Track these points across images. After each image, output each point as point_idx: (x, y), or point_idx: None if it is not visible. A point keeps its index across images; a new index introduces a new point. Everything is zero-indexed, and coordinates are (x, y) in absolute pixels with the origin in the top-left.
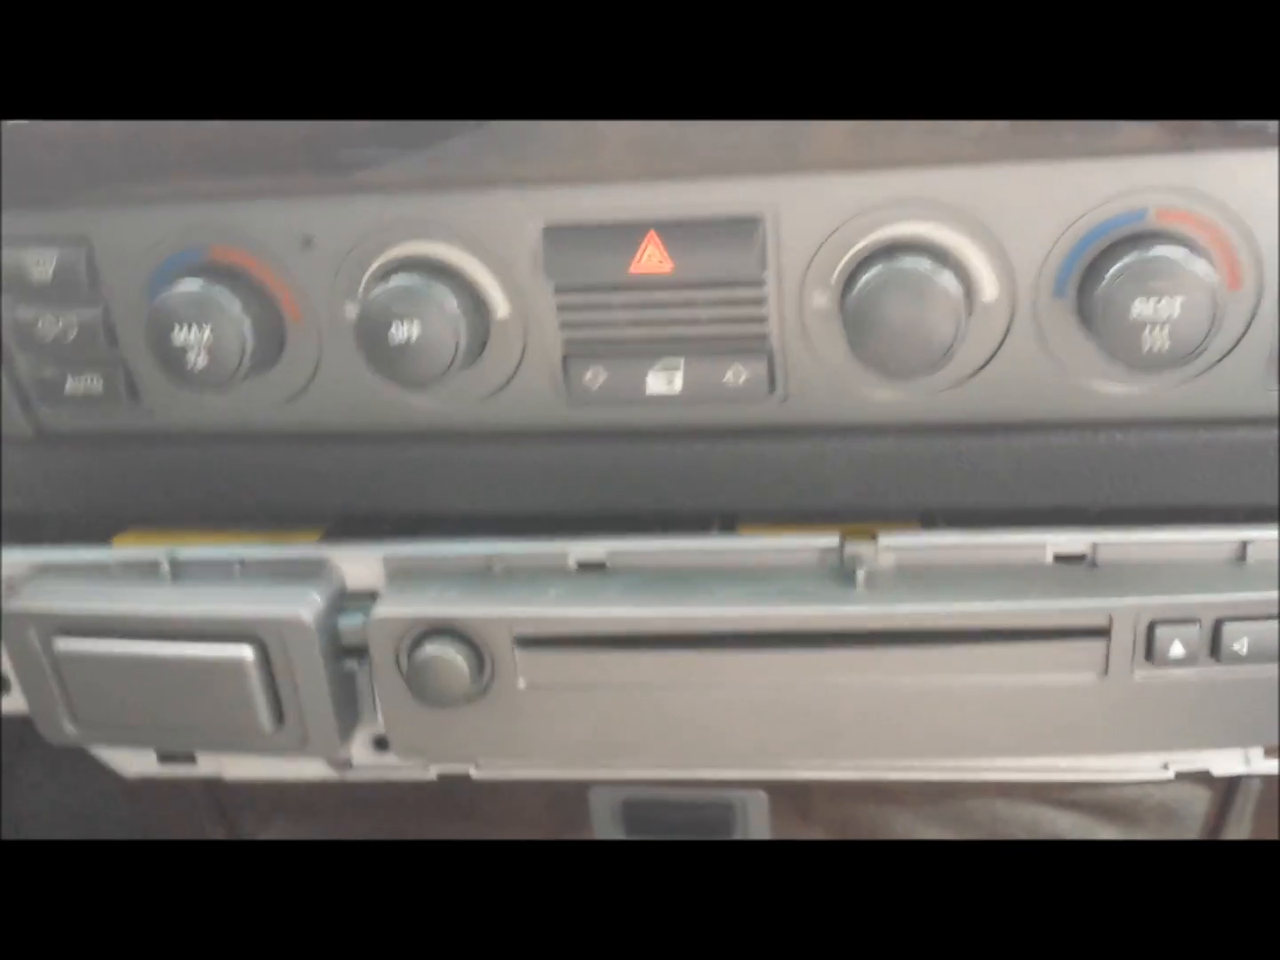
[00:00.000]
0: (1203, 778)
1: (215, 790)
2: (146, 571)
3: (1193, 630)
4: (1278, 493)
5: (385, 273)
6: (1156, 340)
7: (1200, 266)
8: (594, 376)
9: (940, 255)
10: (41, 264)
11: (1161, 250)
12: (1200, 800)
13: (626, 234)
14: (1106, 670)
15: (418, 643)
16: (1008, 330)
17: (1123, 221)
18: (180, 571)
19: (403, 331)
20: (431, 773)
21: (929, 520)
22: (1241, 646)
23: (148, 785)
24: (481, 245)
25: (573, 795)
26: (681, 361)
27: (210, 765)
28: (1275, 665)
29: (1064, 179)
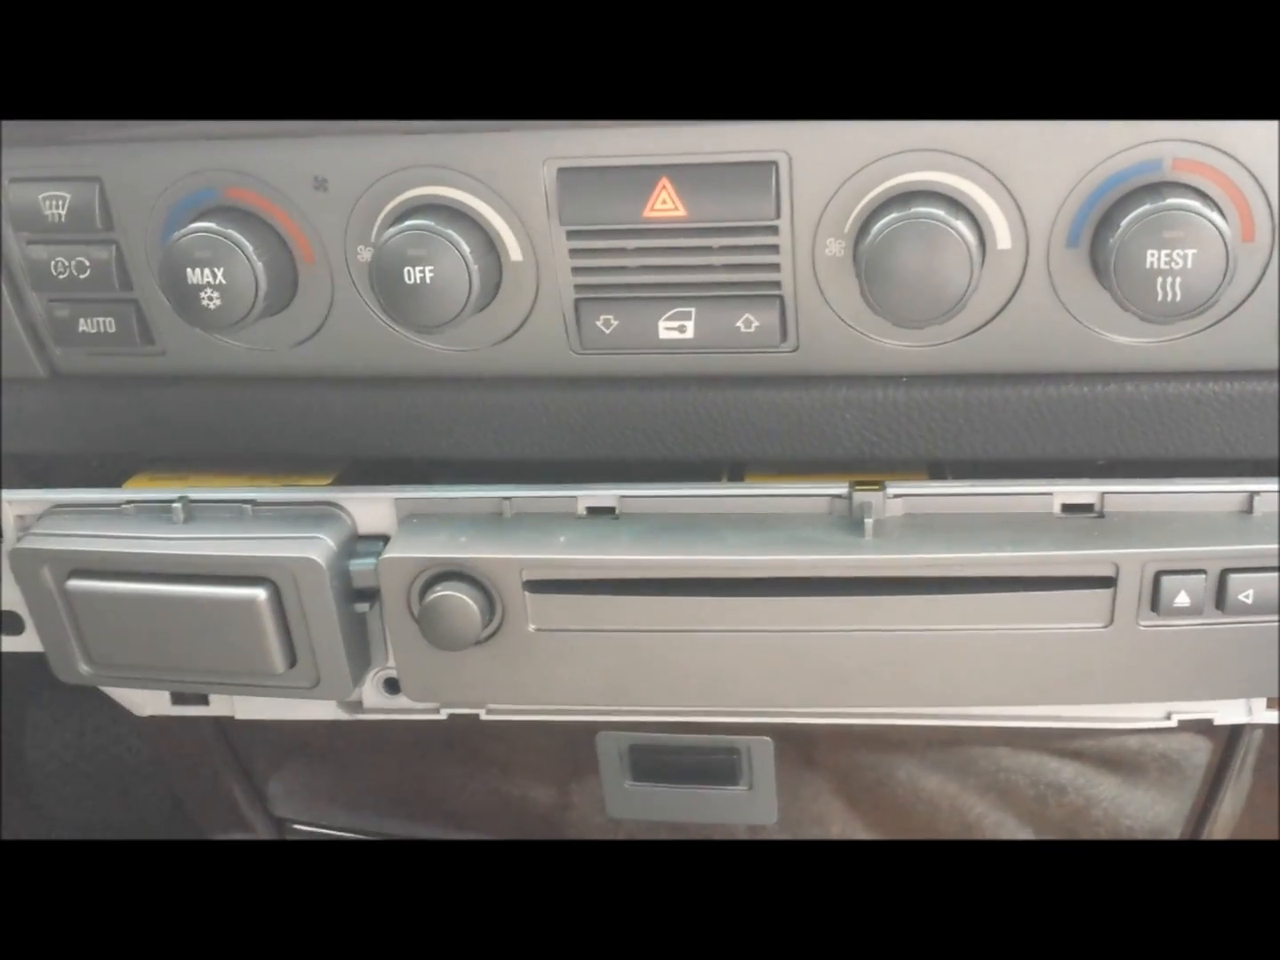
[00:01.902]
0: (1205, 727)
1: (227, 730)
2: (159, 513)
3: (1198, 581)
4: None
5: (399, 215)
6: (1169, 291)
7: (1215, 218)
8: (606, 322)
9: (955, 204)
10: (55, 203)
11: (1176, 201)
12: (1201, 751)
13: (640, 178)
14: (1112, 620)
15: (429, 585)
16: (1021, 280)
17: (1138, 171)
18: (193, 513)
19: (416, 275)
20: (442, 714)
21: (937, 471)
22: (1247, 597)
23: (160, 725)
24: (495, 188)
25: (580, 738)
26: (693, 309)
27: (222, 706)
28: (1279, 616)
29: (1080, 129)
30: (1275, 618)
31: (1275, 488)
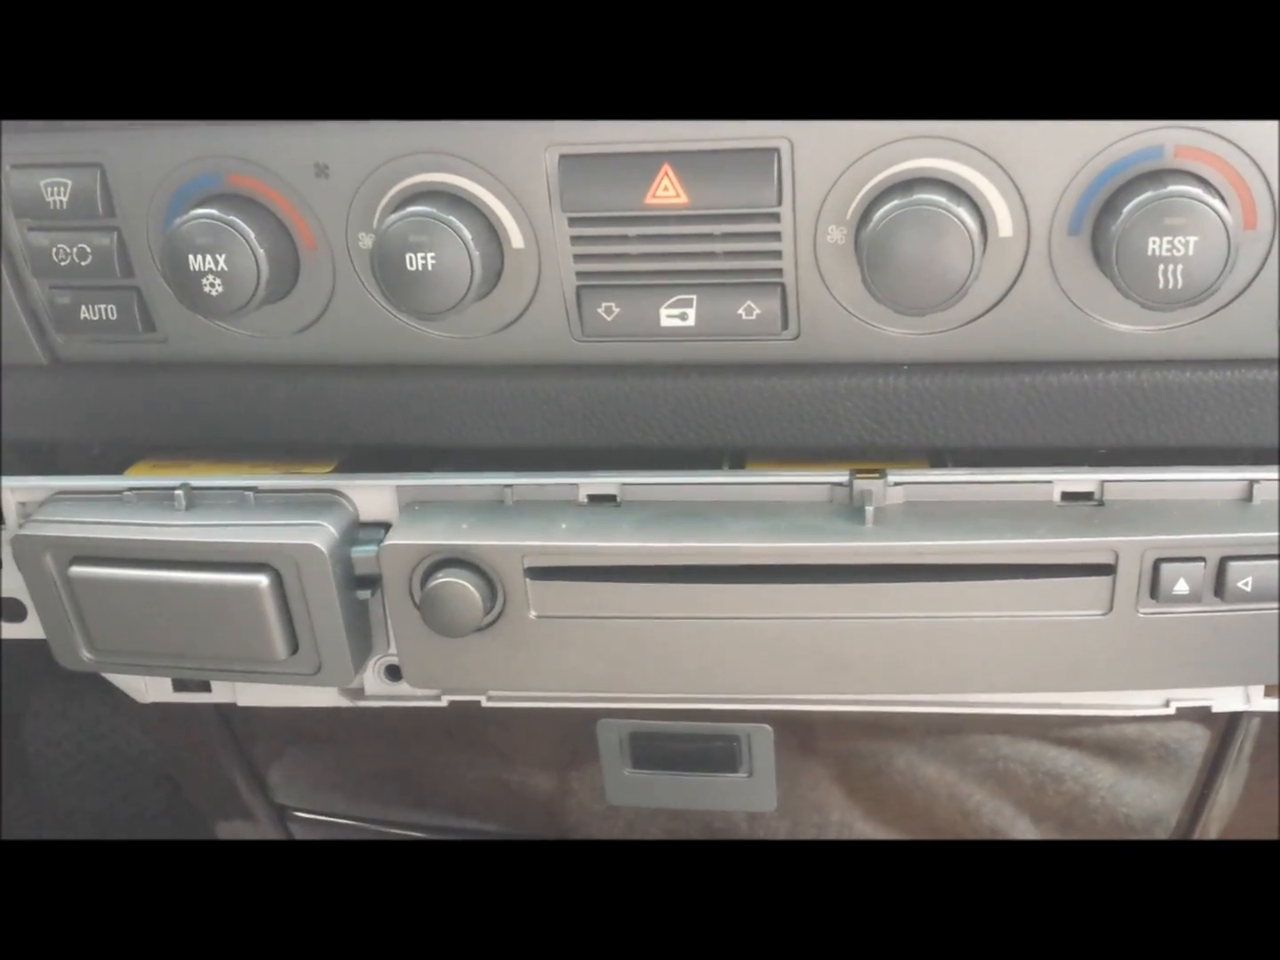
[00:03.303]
0: (1203, 715)
1: (228, 717)
2: (161, 499)
3: (1197, 568)
4: None
5: (401, 202)
6: (1170, 278)
7: (1216, 205)
8: (608, 309)
9: (956, 191)
10: (57, 189)
11: (1178, 188)
12: (1199, 739)
13: (641, 165)
14: (1111, 607)
15: (430, 572)
16: (1022, 267)
17: (1140, 158)
18: (195, 500)
19: (417, 261)
20: (443, 702)
21: (937, 459)
22: (1246, 585)
23: (162, 712)
24: (497, 175)
25: (581, 726)
26: (695, 296)
27: (224, 693)
28: (1278, 604)
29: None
30: (1274, 605)
31: (1275, 476)
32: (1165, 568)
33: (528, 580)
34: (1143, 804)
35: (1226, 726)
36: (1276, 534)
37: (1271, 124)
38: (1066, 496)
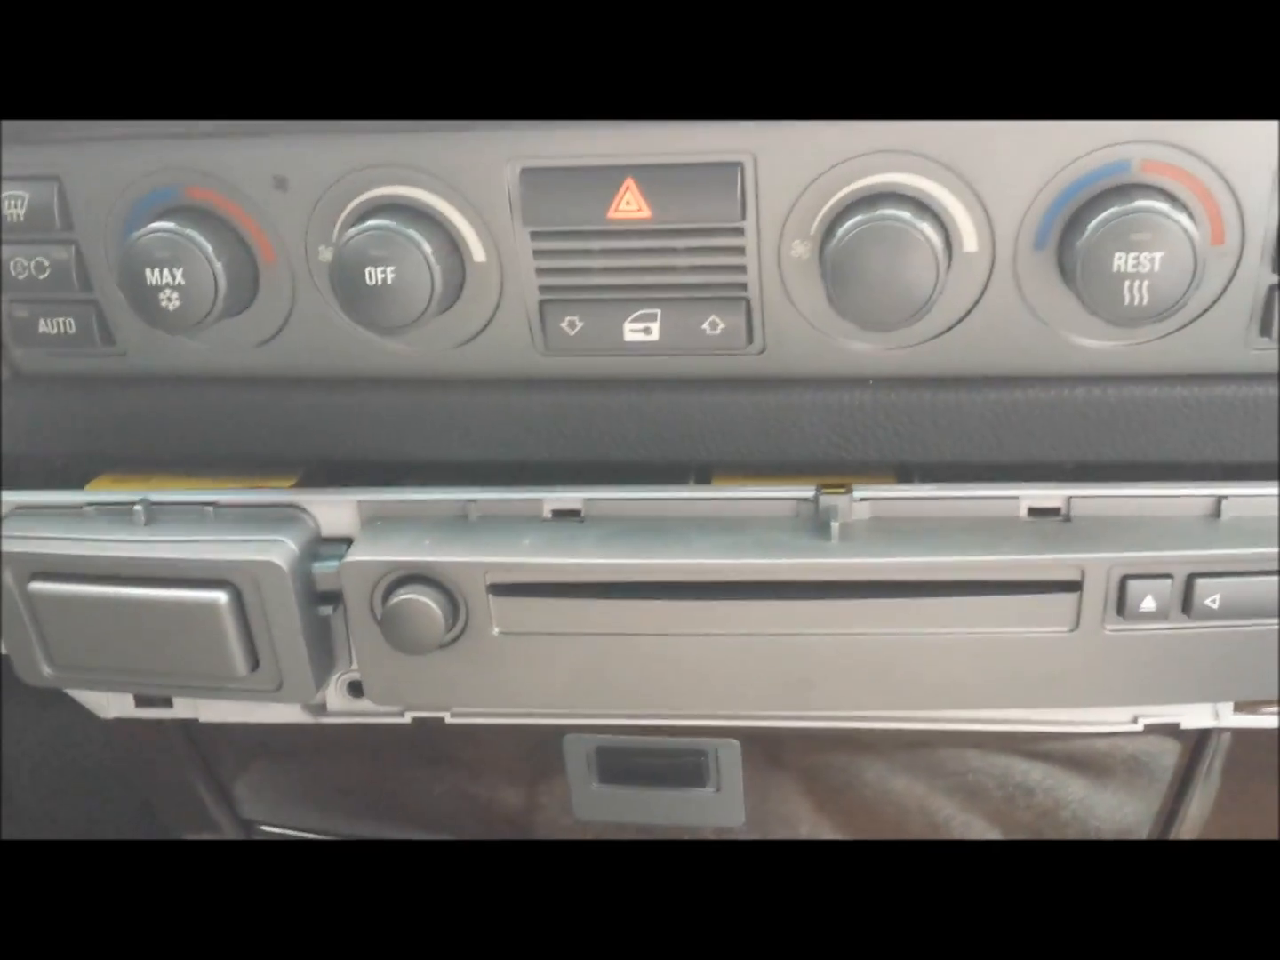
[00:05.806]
0: (1172, 730)
1: (193, 732)
2: (121, 515)
3: (1165, 585)
4: (1253, 450)
5: (360, 215)
6: (1136, 294)
7: (1183, 220)
8: (571, 324)
9: (921, 206)
10: (14, 203)
11: (1144, 203)
12: (1169, 753)
13: (604, 178)
14: (1078, 624)
15: (392, 589)
16: (987, 282)
17: (1106, 173)
18: (154, 515)
19: (377, 275)
20: (406, 718)
21: (904, 474)
22: (1213, 602)
23: (128, 727)
24: (458, 188)
25: (547, 741)
26: (659, 310)
27: (186, 709)
28: (1246, 621)
29: (1048, 130)
30: (1242, 622)
31: (1243, 492)
32: (1132, 584)
33: (490, 597)
34: (1114, 817)
35: (1196, 741)
36: (1244, 551)
37: (1240, 139)
38: (1033, 512)
